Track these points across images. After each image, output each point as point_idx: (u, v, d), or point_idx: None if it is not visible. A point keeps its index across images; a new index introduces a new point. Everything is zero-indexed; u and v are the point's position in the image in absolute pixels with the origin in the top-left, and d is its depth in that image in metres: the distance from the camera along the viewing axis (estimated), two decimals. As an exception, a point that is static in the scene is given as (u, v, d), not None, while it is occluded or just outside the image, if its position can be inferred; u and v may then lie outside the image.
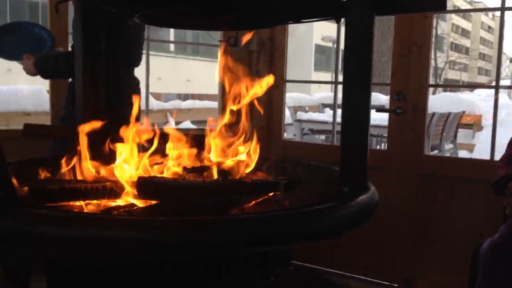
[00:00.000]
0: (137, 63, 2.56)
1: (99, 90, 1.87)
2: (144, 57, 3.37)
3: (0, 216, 1.06)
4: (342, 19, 1.60)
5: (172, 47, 17.98)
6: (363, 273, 2.99)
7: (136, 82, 2.57)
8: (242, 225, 1.06)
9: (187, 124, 6.83)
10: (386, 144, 3.15)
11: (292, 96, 8.62)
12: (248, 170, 1.57)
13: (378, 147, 6.30)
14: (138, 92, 2.57)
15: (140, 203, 1.36)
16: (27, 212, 1.09)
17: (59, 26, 2.96)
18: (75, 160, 1.49)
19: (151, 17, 1.70)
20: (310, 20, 1.78)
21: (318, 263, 3.08)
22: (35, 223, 1.05)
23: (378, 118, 4.90)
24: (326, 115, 6.82)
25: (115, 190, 1.35)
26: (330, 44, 21.44)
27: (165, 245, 1.01)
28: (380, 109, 3.42)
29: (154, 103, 6.87)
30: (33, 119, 4.42)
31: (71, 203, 1.32)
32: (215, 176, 1.48)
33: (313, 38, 24.60)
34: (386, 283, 2.93)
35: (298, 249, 2.39)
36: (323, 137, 6.86)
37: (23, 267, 2.48)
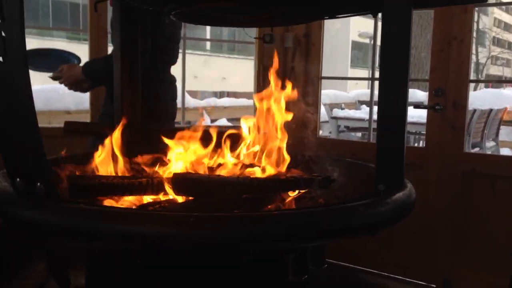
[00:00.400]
0: (173, 61, 2.58)
1: (136, 87, 1.90)
2: (180, 55, 3.41)
3: (40, 210, 1.09)
4: (379, 14, 1.58)
5: (208, 45, 18.13)
6: (400, 273, 2.94)
7: (172, 79, 2.59)
8: (275, 221, 1.06)
9: (222, 122, 6.88)
10: (424, 141, 3.09)
11: (328, 93, 8.56)
12: (282, 167, 1.56)
13: (416, 144, 6.18)
14: (174, 89, 2.60)
15: (175, 199, 1.38)
16: (66, 207, 1.12)
17: (98, 26, 3.03)
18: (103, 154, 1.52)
19: (187, 14, 1.71)
20: (346, 15, 1.76)
21: (353, 261, 3.05)
22: (73, 217, 1.07)
23: (416, 115, 4.81)
24: (363, 112, 6.74)
25: (152, 186, 1.37)
26: (367, 41, 21.16)
27: (199, 240, 1.02)
28: (418, 105, 3.35)
29: (190, 101, 6.95)
30: (74, 117, 4.54)
31: (108, 198, 1.35)
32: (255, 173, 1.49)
33: (349, 35, 24.32)
34: (423, 283, 2.88)
35: (333, 247, 2.37)
36: (359, 134, 6.79)
37: (64, 260, 2.55)
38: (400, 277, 2.94)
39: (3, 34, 1.08)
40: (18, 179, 1.14)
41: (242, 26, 2.01)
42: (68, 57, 2.56)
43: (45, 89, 5.09)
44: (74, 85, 2.49)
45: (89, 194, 1.31)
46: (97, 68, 2.41)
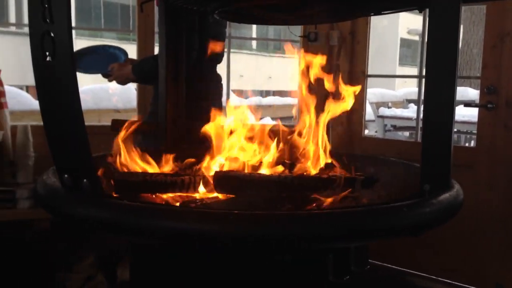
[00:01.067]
0: (219, 59, 2.60)
1: (180, 86, 1.93)
2: (225, 54, 3.44)
3: (85, 205, 1.13)
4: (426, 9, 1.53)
5: (254, 44, 18.19)
6: (448, 276, 2.86)
7: (218, 78, 2.61)
8: (315, 220, 1.04)
9: (267, 120, 6.88)
10: (475, 141, 2.98)
11: (374, 91, 8.40)
12: (325, 166, 1.54)
13: (467, 144, 5.98)
14: (220, 88, 2.62)
15: (217, 197, 1.39)
16: (110, 202, 1.14)
17: (145, 26, 3.09)
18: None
19: (230, 13, 1.72)
20: (392, 11, 1.72)
21: (399, 263, 2.98)
22: (117, 212, 1.10)
23: (467, 114, 4.65)
24: (410, 111, 6.58)
25: (194, 183, 1.39)
26: (416, 38, 20.63)
27: (238, 238, 1.03)
28: (469, 104, 3.23)
29: (235, 100, 6.98)
30: (122, 115, 4.66)
31: (151, 194, 1.37)
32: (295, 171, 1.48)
33: (398, 32, 23.81)
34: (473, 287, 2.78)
35: (378, 248, 2.33)
36: (407, 133, 6.63)
37: (111, 255, 2.62)
38: (448, 281, 2.85)
39: (52, 35, 1.12)
40: (66, 175, 1.18)
41: (284, 24, 2.00)
42: (114, 52, 2.62)
43: (95, 88, 5.26)
44: (124, 82, 2.56)
45: (133, 190, 1.34)
46: (147, 68, 2.46)
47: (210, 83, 2.51)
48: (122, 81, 2.57)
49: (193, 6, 1.77)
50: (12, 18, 13.01)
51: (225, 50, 3.47)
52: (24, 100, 4.73)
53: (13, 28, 12.90)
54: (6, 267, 2.62)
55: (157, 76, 2.50)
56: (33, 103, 4.53)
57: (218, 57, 2.57)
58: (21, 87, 6.44)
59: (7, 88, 2.90)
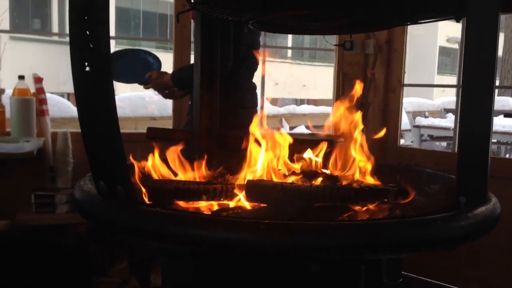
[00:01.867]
0: (254, 68, 2.61)
1: (215, 95, 1.94)
2: (260, 63, 3.45)
3: (119, 211, 1.15)
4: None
5: (289, 53, 18.20)
6: (486, 292, 2.77)
7: (253, 87, 2.63)
8: (346, 231, 1.04)
9: (301, 129, 6.87)
10: (516, 152, 2.89)
11: (411, 100, 8.27)
12: (357, 177, 1.53)
13: (507, 155, 5.80)
14: (255, 96, 2.63)
15: (249, 206, 1.39)
16: (143, 209, 1.17)
17: (182, 36, 3.14)
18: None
19: (264, 23, 1.73)
20: (428, 20, 1.69)
21: (433, 277, 2.91)
22: (149, 219, 1.12)
23: (508, 124, 4.53)
24: (448, 121, 6.43)
25: (226, 192, 1.40)
26: (456, 46, 20.20)
27: (267, 247, 1.03)
28: (509, 114, 3.14)
29: (270, 108, 7.01)
30: (158, 123, 4.74)
31: (184, 202, 1.39)
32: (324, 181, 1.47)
33: (437, 40, 23.39)
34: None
35: (413, 261, 2.28)
36: (444, 144, 6.49)
37: (145, 260, 2.66)
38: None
39: (90, 45, 1.15)
40: (101, 182, 1.21)
41: (319, 33, 2.00)
42: (145, 57, 2.65)
43: (132, 96, 5.37)
44: (163, 91, 2.58)
45: (166, 197, 1.36)
46: (184, 76, 2.48)
47: (245, 91, 2.52)
48: (160, 89, 2.60)
49: (228, 16, 1.79)
50: (55, 28, 13.45)
51: (260, 58, 3.49)
52: (64, 107, 4.87)
53: (55, 38, 13.33)
54: (43, 269, 2.70)
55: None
56: (74, 110, 4.66)
57: (253, 66, 2.59)
58: (62, 95, 6.64)
59: (48, 95, 3.00)
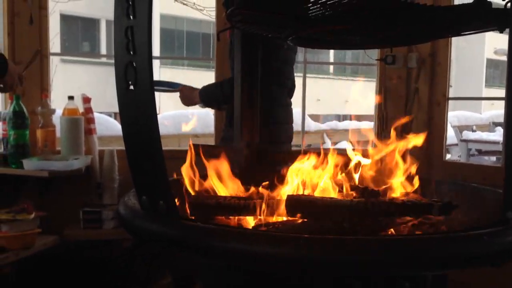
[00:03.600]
0: (288, 84, 2.62)
1: (255, 111, 1.96)
2: (301, 79, 3.47)
3: (161, 226, 1.18)
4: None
5: (331, 68, 18.16)
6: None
7: (288, 102, 2.64)
8: (388, 246, 1.02)
9: (343, 145, 6.81)
10: None
11: (457, 114, 8.06)
12: (400, 191, 1.50)
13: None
14: (290, 112, 2.64)
15: (289, 220, 1.39)
16: (184, 224, 1.19)
17: (223, 54, 3.19)
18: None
19: (303, 39, 1.75)
20: (471, 32, 1.66)
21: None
22: (190, 234, 1.14)
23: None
24: (497, 135, 6.23)
25: (266, 207, 1.41)
26: (504, 58, 19.61)
27: (308, 262, 1.02)
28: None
29: (312, 124, 6.99)
30: (201, 140, 4.82)
31: (224, 217, 1.41)
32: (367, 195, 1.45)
33: (484, 52, 22.80)
34: None
35: (458, 278, 2.20)
36: (493, 158, 6.27)
37: (188, 275, 2.69)
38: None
39: (134, 64, 1.19)
40: (144, 197, 1.24)
41: (359, 48, 2.00)
42: (167, 82, 2.78)
43: (176, 114, 5.49)
44: (189, 104, 2.70)
45: (207, 212, 1.38)
46: (211, 92, 2.61)
47: (278, 107, 2.54)
48: (187, 103, 2.71)
49: (268, 33, 1.81)
50: (103, 50, 13.96)
51: (301, 74, 3.50)
52: (111, 126, 5.03)
53: (104, 59, 13.81)
54: (90, 284, 2.77)
55: (220, 101, 2.60)
56: (120, 129, 4.77)
57: (286, 82, 2.60)
58: (109, 114, 6.85)
59: (96, 114, 3.10)
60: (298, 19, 1.52)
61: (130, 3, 1.15)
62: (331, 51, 16.31)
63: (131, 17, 1.16)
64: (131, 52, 1.18)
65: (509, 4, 1.36)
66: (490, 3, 1.32)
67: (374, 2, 1.41)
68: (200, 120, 4.93)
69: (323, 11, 1.41)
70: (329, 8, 1.38)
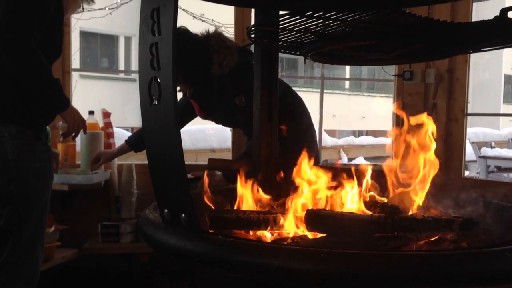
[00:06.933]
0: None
1: (274, 126, 1.98)
2: (317, 95, 3.49)
3: (182, 239, 1.19)
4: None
5: (347, 84, 18.14)
6: None
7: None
8: (409, 262, 1.02)
9: (360, 160, 6.78)
10: None
11: (476, 131, 7.98)
12: (419, 207, 1.50)
13: None
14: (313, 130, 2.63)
15: (309, 235, 1.39)
16: (205, 237, 1.20)
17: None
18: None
19: (324, 55, 1.76)
20: (491, 48, 1.66)
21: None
22: (211, 247, 1.15)
23: None
24: (517, 151, 6.15)
25: (285, 221, 1.41)
26: (522, 74, 19.40)
27: (329, 276, 1.02)
28: None
29: (328, 140, 6.99)
30: (217, 155, 4.84)
31: (245, 231, 1.41)
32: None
33: (502, 68, 22.61)
34: None
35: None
36: (513, 175, 6.19)
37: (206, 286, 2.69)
38: None
39: (159, 80, 1.22)
40: (165, 210, 1.26)
41: (378, 64, 2.01)
42: None
43: (192, 129, 5.53)
44: None
45: (228, 226, 1.39)
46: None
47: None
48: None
49: (288, 50, 1.83)
50: (121, 66, 14.13)
51: (318, 90, 3.52)
52: (130, 141, 5.08)
53: (122, 75, 13.99)
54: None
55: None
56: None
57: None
58: (127, 129, 6.92)
59: (115, 129, 3.14)
60: (318, 36, 1.54)
61: (155, 20, 1.18)
62: (347, 67, 16.32)
63: (156, 33, 1.19)
64: (156, 68, 1.20)
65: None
66: (511, 19, 1.32)
67: (394, 20, 1.42)
68: (217, 135, 4.97)
69: (343, 28, 1.42)
70: (350, 25, 1.40)
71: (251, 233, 1.43)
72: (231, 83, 2.30)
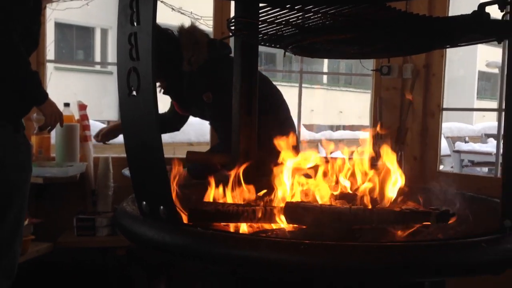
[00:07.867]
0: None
1: (253, 119, 1.97)
2: (296, 89, 3.49)
3: (160, 231, 1.18)
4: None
5: (325, 79, 18.23)
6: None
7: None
8: (387, 253, 1.03)
9: (337, 154, 6.83)
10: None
11: (450, 125, 8.11)
12: (396, 199, 1.52)
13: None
14: (290, 122, 2.64)
15: (288, 227, 1.39)
16: (184, 229, 1.19)
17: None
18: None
19: (304, 48, 1.76)
20: (469, 43, 1.68)
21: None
22: (190, 239, 1.14)
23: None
24: (490, 146, 6.28)
25: (264, 214, 1.41)
26: (496, 71, 19.80)
27: (309, 268, 1.03)
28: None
29: (306, 134, 7.02)
30: (195, 148, 4.81)
31: (223, 223, 1.41)
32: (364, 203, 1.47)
33: (476, 65, 23.02)
34: None
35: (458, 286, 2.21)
36: (485, 169, 6.32)
37: (185, 283, 2.68)
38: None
39: (137, 71, 1.20)
40: (144, 203, 1.24)
41: (357, 57, 2.02)
42: None
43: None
44: None
45: (206, 219, 1.38)
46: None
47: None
48: None
49: (268, 43, 1.82)
50: (97, 58, 13.92)
51: (296, 84, 3.52)
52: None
53: (97, 67, 13.79)
54: (85, 291, 2.75)
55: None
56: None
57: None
58: (103, 122, 6.84)
59: (91, 122, 3.10)
60: (298, 28, 1.53)
61: (134, 10, 1.15)
62: (325, 62, 16.40)
63: (135, 23, 1.17)
64: (135, 58, 1.18)
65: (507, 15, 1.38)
66: (489, 14, 1.34)
67: (373, 12, 1.43)
68: (195, 129, 4.93)
69: (323, 21, 1.42)
70: (330, 18, 1.40)
71: (231, 225, 1.42)
72: (200, 79, 2.29)
